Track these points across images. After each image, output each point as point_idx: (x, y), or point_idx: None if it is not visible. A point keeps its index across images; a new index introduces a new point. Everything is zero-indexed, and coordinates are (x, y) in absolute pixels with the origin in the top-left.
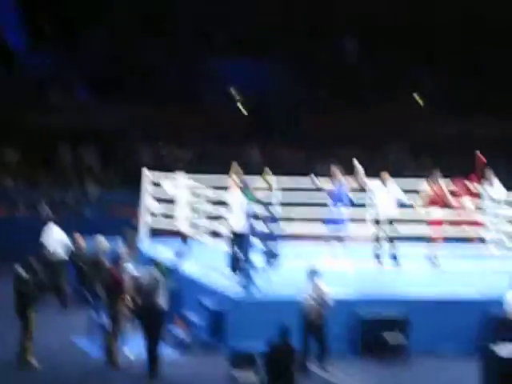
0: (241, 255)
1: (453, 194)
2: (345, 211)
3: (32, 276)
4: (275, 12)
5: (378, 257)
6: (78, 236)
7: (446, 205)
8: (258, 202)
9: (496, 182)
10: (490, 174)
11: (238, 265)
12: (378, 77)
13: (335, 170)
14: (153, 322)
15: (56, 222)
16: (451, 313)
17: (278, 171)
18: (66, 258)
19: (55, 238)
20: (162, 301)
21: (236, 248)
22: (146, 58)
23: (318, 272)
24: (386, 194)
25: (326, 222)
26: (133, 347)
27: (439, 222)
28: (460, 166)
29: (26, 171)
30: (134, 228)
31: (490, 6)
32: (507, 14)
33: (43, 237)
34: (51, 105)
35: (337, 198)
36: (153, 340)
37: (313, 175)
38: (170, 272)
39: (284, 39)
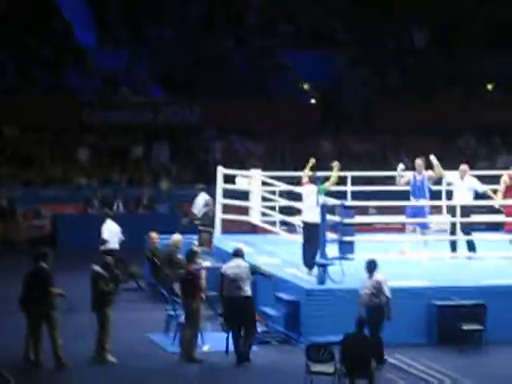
0: (314, 247)
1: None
2: (426, 203)
3: (108, 272)
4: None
5: (454, 247)
6: (152, 233)
7: None
8: (332, 195)
9: None
10: None
11: (311, 257)
12: (450, 66)
13: (419, 162)
14: (243, 309)
15: (112, 218)
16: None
17: (351, 162)
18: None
19: (112, 231)
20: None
21: (309, 240)
22: (215, 53)
23: (376, 264)
24: (463, 185)
25: (407, 213)
26: (209, 342)
27: None
28: None
29: (99, 169)
30: (209, 225)
31: None
32: None
33: (103, 232)
34: (123, 102)
35: (419, 190)
36: (247, 328)
37: (401, 165)
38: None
39: (351, 28)
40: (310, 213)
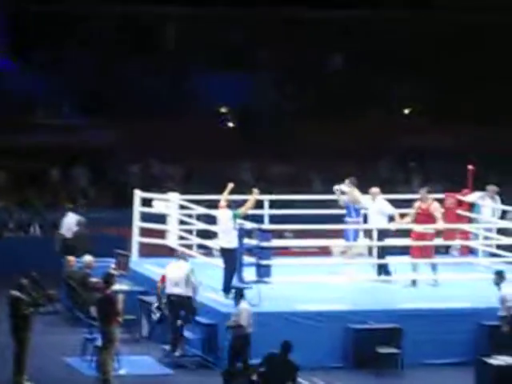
0: (230, 271)
1: (446, 208)
2: (355, 225)
3: (25, 296)
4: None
5: (372, 270)
6: (69, 256)
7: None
8: (249, 218)
9: (496, 197)
10: (492, 189)
11: (227, 281)
12: (365, 89)
13: (350, 185)
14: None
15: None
16: (444, 324)
17: (269, 185)
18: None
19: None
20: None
21: (226, 265)
22: (132, 76)
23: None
24: (374, 208)
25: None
26: (125, 365)
27: (421, 235)
28: (451, 179)
29: (16, 192)
30: (126, 248)
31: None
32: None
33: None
34: (39, 124)
35: (349, 213)
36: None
37: (336, 187)
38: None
39: (269, 52)
40: (226, 237)
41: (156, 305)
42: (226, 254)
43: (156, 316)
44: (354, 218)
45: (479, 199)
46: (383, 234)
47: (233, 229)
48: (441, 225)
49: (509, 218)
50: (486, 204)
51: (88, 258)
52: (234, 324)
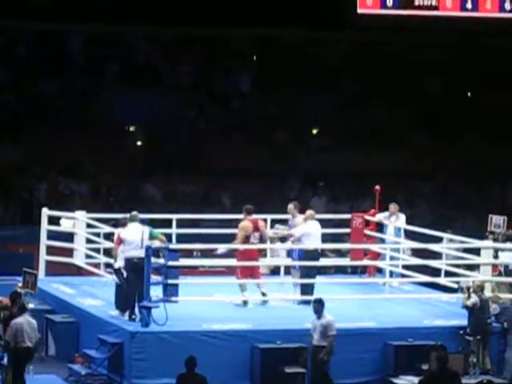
0: (133, 290)
1: (354, 228)
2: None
3: None
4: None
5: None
6: None
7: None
8: (159, 237)
9: (402, 216)
10: (395, 207)
11: (126, 300)
12: (275, 110)
13: (290, 206)
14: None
15: None
16: (351, 343)
17: (176, 204)
18: None
19: None
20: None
21: (126, 283)
22: (39, 93)
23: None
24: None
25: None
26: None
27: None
28: (357, 200)
29: None
30: (33, 266)
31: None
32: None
33: None
34: None
35: None
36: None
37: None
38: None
39: (182, 69)
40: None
41: (116, 267)
42: (129, 270)
43: (117, 279)
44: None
45: (384, 219)
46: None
47: (138, 247)
48: (348, 245)
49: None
50: (390, 223)
51: None
52: None
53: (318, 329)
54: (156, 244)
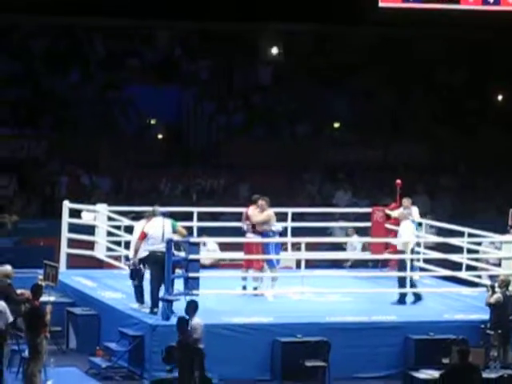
0: (156, 283)
1: (374, 222)
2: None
3: None
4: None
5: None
6: None
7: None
8: (179, 229)
9: (415, 209)
10: (408, 201)
11: (142, 293)
12: (296, 103)
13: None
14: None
15: None
16: (371, 337)
17: (198, 198)
18: None
19: None
20: None
21: (141, 277)
22: (61, 87)
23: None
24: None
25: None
26: (52, 377)
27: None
28: (377, 194)
29: None
30: (54, 259)
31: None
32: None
33: None
34: None
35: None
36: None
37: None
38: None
39: (197, 64)
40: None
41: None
42: (147, 264)
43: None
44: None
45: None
46: None
47: (160, 240)
48: (367, 239)
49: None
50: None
51: (7, 267)
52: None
53: None
54: (176, 238)
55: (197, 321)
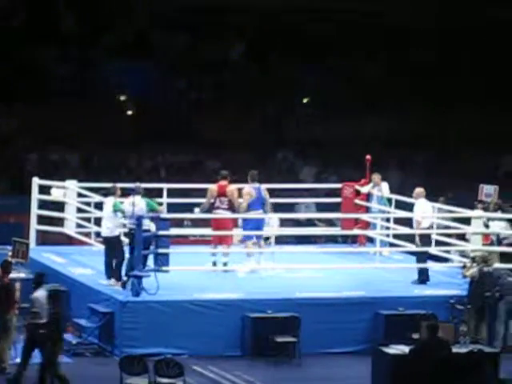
0: (120, 259)
1: (344, 198)
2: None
3: None
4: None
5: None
6: None
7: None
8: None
9: (384, 185)
10: (378, 177)
11: (115, 270)
12: (265, 79)
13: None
14: None
15: None
16: (341, 313)
17: (167, 174)
18: None
19: None
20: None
21: (114, 252)
22: (32, 63)
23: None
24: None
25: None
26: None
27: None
28: (348, 169)
29: None
30: (24, 236)
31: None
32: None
33: None
34: None
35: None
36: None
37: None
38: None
39: (169, 40)
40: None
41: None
42: (113, 240)
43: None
44: (258, 210)
45: (370, 189)
46: None
47: (114, 217)
48: (339, 215)
49: None
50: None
51: None
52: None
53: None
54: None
55: (39, 294)
